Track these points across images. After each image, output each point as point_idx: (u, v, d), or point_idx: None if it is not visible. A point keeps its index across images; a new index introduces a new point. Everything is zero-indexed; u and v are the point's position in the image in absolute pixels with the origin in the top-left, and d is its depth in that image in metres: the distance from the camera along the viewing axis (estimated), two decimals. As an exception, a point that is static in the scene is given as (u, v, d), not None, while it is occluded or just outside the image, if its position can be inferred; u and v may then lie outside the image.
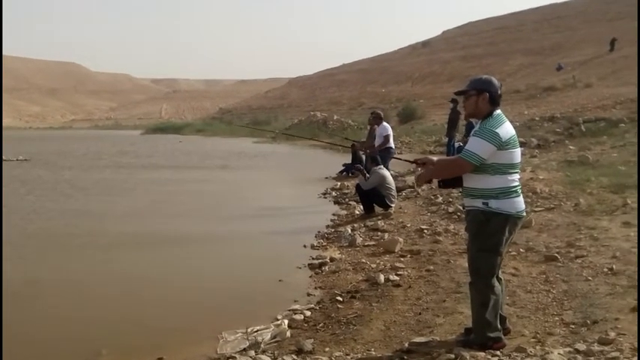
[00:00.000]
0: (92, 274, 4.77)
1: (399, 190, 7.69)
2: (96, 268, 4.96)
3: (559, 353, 2.46)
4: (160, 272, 4.83)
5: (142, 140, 30.07)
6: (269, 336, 3.22)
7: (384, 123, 8.59)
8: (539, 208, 5.73)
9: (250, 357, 2.87)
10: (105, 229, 6.64)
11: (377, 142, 8.33)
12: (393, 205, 6.78)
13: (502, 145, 2.51)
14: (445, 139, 12.95)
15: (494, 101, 2.61)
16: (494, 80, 2.66)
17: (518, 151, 2.61)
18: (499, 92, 2.63)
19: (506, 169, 2.55)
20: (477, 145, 2.52)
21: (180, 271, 4.86)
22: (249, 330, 3.26)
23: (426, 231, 5.52)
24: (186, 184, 10.92)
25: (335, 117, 28.00)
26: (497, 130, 2.51)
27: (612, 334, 2.61)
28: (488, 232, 2.56)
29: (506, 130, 2.55)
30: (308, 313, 3.60)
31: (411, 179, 8.69)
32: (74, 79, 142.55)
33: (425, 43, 59.80)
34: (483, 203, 2.56)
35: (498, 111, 2.62)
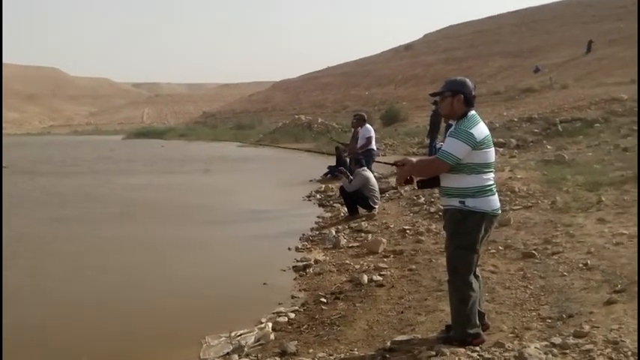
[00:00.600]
0: (70, 281, 4.71)
1: (382, 191, 7.77)
2: (75, 275, 4.89)
3: (536, 347, 2.53)
4: (141, 278, 4.79)
5: (122, 145, 29.64)
6: (253, 339, 3.23)
7: (367, 125, 8.66)
8: (518, 207, 5.86)
9: (234, 361, 2.87)
10: (83, 235, 6.55)
11: (359, 143, 8.39)
12: (376, 207, 6.85)
13: (477, 145, 2.58)
14: (427, 141, 13.11)
15: (469, 102, 2.68)
16: (469, 82, 2.73)
17: (492, 150, 2.68)
18: (473, 93, 2.70)
19: (482, 168, 2.62)
20: (452, 146, 2.59)
21: (162, 276, 4.82)
22: (232, 334, 3.27)
23: (408, 231, 5.59)
24: (167, 189, 10.82)
25: (319, 120, 28.07)
26: (471, 131, 2.58)
27: (587, 327, 2.70)
28: (465, 230, 2.63)
29: (481, 130, 2.62)
30: (292, 316, 3.62)
31: (394, 181, 8.78)
32: (53, 83, 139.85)
33: (407, 47, 60.45)
34: (460, 202, 2.62)
35: (473, 112, 2.69)
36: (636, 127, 12.11)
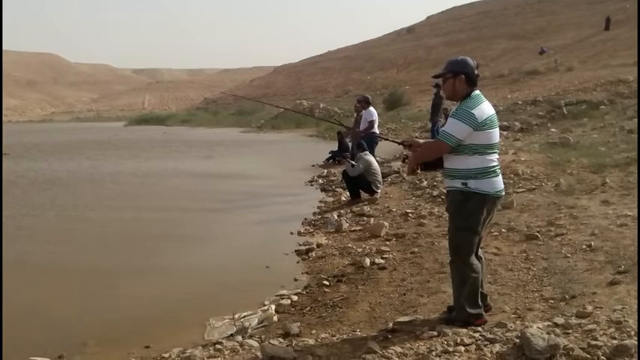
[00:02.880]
0: (76, 265, 4.74)
1: (384, 175, 7.74)
2: (80, 259, 4.92)
3: (538, 327, 2.52)
4: (146, 262, 4.81)
5: (125, 132, 29.57)
6: (256, 321, 3.25)
7: (371, 108, 8.55)
8: (521, 189, 5.83)
9: (237, 342, 2.89)
10: (90, 219, 6.58)
11: (362, 127, 8.33)
12: (379, 191, 6.83)
13: (478, 125, 2.53)
14: (430, 125, 13.03)
15: (472, 81, 2.62)
16: (470, 60, 2.67)
17: (496, 131, 2.63)
18: (476, 72, 2.64)
19: (484, 149, 2.58)
20: (452, 126, 2.55)
21: (167, 261, 4.84)
22: (236, 316, 3.29)
23: (410, 215, 5.59)
24: (170, 174, 10.82)
25: (321, 105, 27.90)
26: (472, 111, 2.53)
27: (589, 308, 2.69)
28: (467, 212, 2.61)
29: (483, 110, 2.57)
30: (295, 298, 3.65)
31: (396, 165, 8.74)
32: (53, 70, 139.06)
33: (409, 29, 59.67)
34: (462, 183, 2.59)
35: (477, 91, 2.64)
36: (642, 109, 11.98)
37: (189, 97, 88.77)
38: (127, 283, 4.23)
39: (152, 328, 3.33)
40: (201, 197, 8.11)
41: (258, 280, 4.17)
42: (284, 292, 3.77)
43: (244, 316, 3.31)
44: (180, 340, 3.13)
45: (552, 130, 11.78)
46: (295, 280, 4.07)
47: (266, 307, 3.44)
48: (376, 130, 8.43)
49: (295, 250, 4.83)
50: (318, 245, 4.90)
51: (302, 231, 5.57)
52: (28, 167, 12.09)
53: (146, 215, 6.87)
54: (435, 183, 6.84)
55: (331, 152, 11.35)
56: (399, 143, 2.97)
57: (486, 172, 2.58)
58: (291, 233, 5.51)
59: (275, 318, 3.31)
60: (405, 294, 3.46)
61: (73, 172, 11.20)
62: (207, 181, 9.76)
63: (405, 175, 7.88)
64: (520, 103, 16.24)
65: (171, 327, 3.33)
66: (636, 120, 10.78)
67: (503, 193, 2.72)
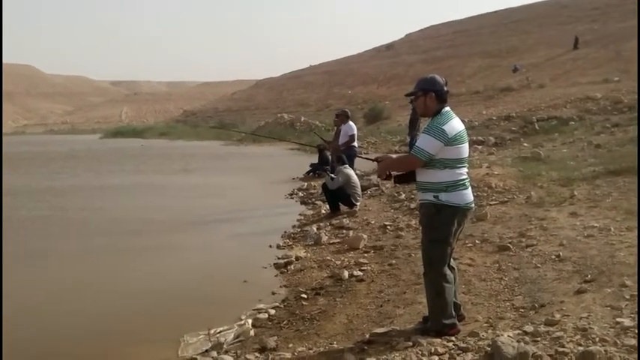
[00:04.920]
0: (44, 281, 4.62)
1: (364, 188, 7.84)
2: (48, 274, 4.80)
3: (508, 335, 2.61)
4: (120, 278, 4.73)
5: (99, 145, 29.02)
6: (232, 336, 3.23)
7: (350, 122, 8.65)
8: (494, 202, 5.99)
9: (212, 358, 2.88)
10: (59, 235, 6.44)
11: (341, 140, 8.42)
12: (358, 204, 6.91)
13: (449, 141, 2.64)
14: (408, 139, 13.27)
15: (442, 98, 2.73)
16: (438, 78, 2.77)
17: (465, 146, 2.73)
18: (445, 89, 2.75)
19: (454, 163, 2.68)
20: (425, 142, 2.65)
21: (142, 276, 4.77)
22: (211, 331, 3.26)
23: (389, 227, 5.67)
24: (148, 189, 10.68)
25: (302, 118, 28.04)
26: (444, 127, 2.64)
27: (557, 316, 2.79)
28: (438, 224, 2.69)
29: (453, 126, 2.68)
30: (272, 312, 3.64)
31: (375, 178, 8.86)
32: (27, 81, 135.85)
33: (389, 46, 60.83)
34: (434, 196, 2.69)
35: (447, 108, 2.75)
36: (609, 125, 12.50)
37: (169, 110, 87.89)
38: (96, 298, 4.15)
39: (124, 344, 3.27)
40: (178, 210, 8.03)
41: (235, 294, 4.15)
42: (261, 306, 3.77)
43: (220, 332, 3.28)
44: (153, 357, 3.08)
45: (525, 144, 12.16)
46: (273, 293, 4.07)
47: (242, 322, 3.42)
48: (356, 143, 8.55)
49: (274, 264, 4.83)
50: (297, 258, 4.92)
51: (281, 244, 5.58)
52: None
53: (120, 228, 6.76)
54: (413, 196, 6.95)
55: (312, 165, 11.41)
56: (374, 160, 3.05)
57: (456, 185, 2.68)
58: (270, 246, 5.51)
59: (252, 332, 3.29)
60: (382, 305, 3.51)
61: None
62: (185, 194, 9.67)
63: (382, 187, 8.00)
64: (494, 118, 16.73)
65: (145, 343, 3.27)
66: (604, 135, 11.24)
67: (473, 205, 2.82)
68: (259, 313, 3.63)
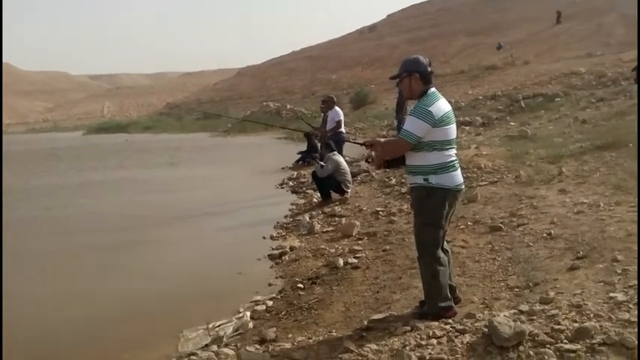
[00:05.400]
0: (41, 278, 4.56)
1: (354, 175, 7.83)
2: (45, 272, 4.74)
3: (505, 315, 2.64)
4: (111, 277, 4.69)
5: (82, 141, 28.49)
6: (231, 329, 3.24)
7: (337, 108, 8.61)
8: (484, 182, 6.03)
9: (212, 352, 2.88)
10: (49, 231, 6.34)
11: (328, 126, 8.38)
12: (349, 191, 6.91)
13: (436, 122, 2.62)
14: (395, 123, 13.26)
15: (426, 79, 2.71)
16: (422, 58, 2.75)
17: (453, 127, 2.71)
18: (429, 69, 2.72)
19: (442, 145, 2.67)
20: (412, 125, 2.63)
21: (134, 274, 4.74)
22: (210, 326, 3.27)
23: (381, 213, 5.68)
24: (133, 184, 10.55)
25: (288, 106, 27.83)
26: (430, 109, 2.62)
27: (552, 294, 2.83)
28: (430, 207, 2.69)
29: (439, 107, 2.65)
30: (270, 303, 3.65)
31: (365, 164, 8.85)
32: (4, 79, 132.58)
33: (371, 28, 60.37)
34: (424, 179, 2.68)
35: (433, 89, 2.72)
36: (594, 100, 12.62)
37: (151, 103, 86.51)
38: (91, 295, 4.11)
39: (123, 341, 3.26)
40: (170, 204, 7.95)
41: (231, 287, 4.15)
42: (258, 297, 3.77)
43: (219, 325, 3.28)
44: (153, 353, 3.07)
45: (512, 123, 12.23)
46: (269, 284, 4.08)
47: (241, 315, 3.43)
48: (343, 129, 8.52)
49: (268, 255, 4.83)
50: (291, 248, 4.92)
51: (274, 235, 5.57)
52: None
53: (105, 225, 6.68)
54: (403, 180, 6.97)
55: (300, 153, 11.36)
56: (361, 144, 3.04)
57: (446, 167, 2.67)
58: (264, 237, 5.50)
59: (250, 325, 3.30)
60: (378, 292, 3.53)
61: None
62: (172, 188, 9.57)
63: (372, 172, 8.01)
64: (480, 98, 16.77)
65: (145, 340, 3.27)
66: (589, 110, 11.35)
67: (463, 187, 2.82)
68: (257, 305, 3.63)
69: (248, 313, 3.45)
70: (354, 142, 3.70)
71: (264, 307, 3.59)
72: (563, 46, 26.02)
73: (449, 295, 2.80)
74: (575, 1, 35.54)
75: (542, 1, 40.08)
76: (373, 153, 2.86)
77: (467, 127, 12.73)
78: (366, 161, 3.04)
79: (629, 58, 17.03)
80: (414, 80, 2.69)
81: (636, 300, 2.53)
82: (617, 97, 12.34)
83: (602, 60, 19.27)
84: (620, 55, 19.04)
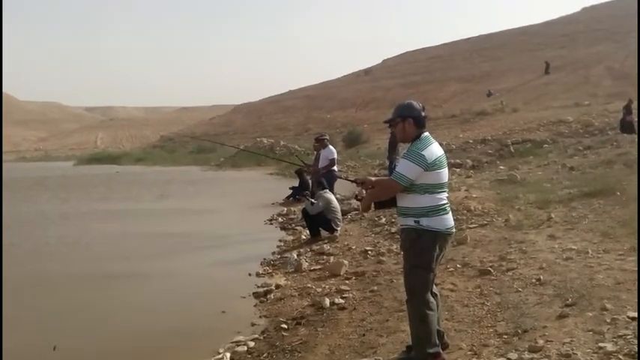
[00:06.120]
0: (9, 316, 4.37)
1: (344, 213, 7.80)
2: (13, 309, 4.55)
3: (493, 364, 2.56)
4: (90, 311, 4.51)
5: (72, 171, 28.28)
6: (210, 370, 3.09)
7: (330, 146, 8.69)
8: (474, 225, 6.02)
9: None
10: (23, 267, 6.15)
11: (321, 164, 8.42)
12: (338, 229, 6.85)
13: (428, 166, 2.63)
14: (387, 162, 13.38)
15: (420, 123, 2.75)
16: (415, 104, 2.80)
17: (445, 171, 2.73)
18: (422, 114, 2.77)
19: (434, 188, 2.67)
20: (405, 167, 2.64)
21: (114, 308, 4.56)
22: (188, 366, 3.12)
23: (370, 252, 5.62)
24: (123, 216, 10.40)
25: (282, 143, 28.10)
26: (423, 153, 2.64)
27: (541, 342, 2.76)
28: (420, 249, 2.66)
29: (432, 151, 2.68)
30: (252, 344, 3.51)
31: (355, 202, 8.83)
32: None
33: (367, 71, 62.13)
34: (415, 221, 2.66)
35: (426, 133, 2.76)
36: (582, 148, 12.90)
37: (145, 135, 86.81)
38: (64, 330, 3.94)
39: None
40: (155, 238, 7.80)
41: (212, 325, 4.00)
42: (240, 338, 3.63)
43: (197, 366, 3.14)
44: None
45: (501, 167, 12.41)
46: (252, 324, 3.94)
47: (220, 356, 3.29)
48: (335, 167, 8.56)
49: (253, 293, 4.70)
50: (277, 286, 4.80)
51: (261, 272, 5.45)
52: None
53: (88, 257, 6.52)
54: (393, 219, 6.94)
55: (292, 188, 11.34)
56: (352, 181, 3.04)
57: (437, 210, 2.67)
58: (250, 274, 5.37)
59: (230, 366, 3.16)
60: (364, 334, 3.42)
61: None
62: (162, 222, 9.44)
63: (361, 211, 7.97)
64: (471, 141, 17.09)
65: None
66: (577, 158, 11.57)
67: (454, 230, 2.80)
68: (238, 345, 3.49)
69: (228, 355, 3.31)
70: (346, 179, 3.71)
71: (245, 347, 3.45)
72: (552, 95, 26.88)
73: (437, 340, 2.72)
74: (563, 53, 37.08)
75: (532, 52, 41.82)
76: (364, 191, 2.85)
77: (457, 169, 12.89)
78: (356, 198, 3.03)
79: (615, 109, 17.59)
80: (408, 125, 2.73)
81: (625, 351, 2.47)
82: (604, 145, 12.65)
83: (589, 110, 19.88)
84: (607, 106, 19.69)
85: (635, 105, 14.91)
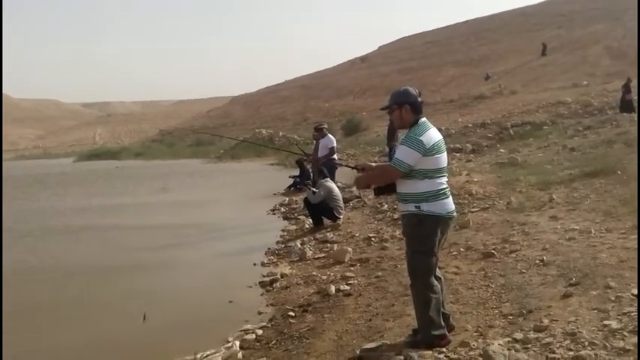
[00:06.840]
0: (18, 307, 4.42)
1: (346, 200, 7.82)
2: (24, 300, 4.60)
3: (499, 344, 2.59)
4: (98, 302, 4.56)
5: (72, 168, 28.25)
6: (220, 359, 3.13)
7: (329, 135, 8.71)
8: (476, 209, 6.05)
9: (200, 383, 2.77)
10: (37, 258, 6.20)
11: (321, 153, 8.43)
12: (341, 217, 6.88)
13: (427, 151, 2.64)
14: (387, 149, 13.38)
15: (417, 109, 2.74)
16: (411, 90, 2.79)
17: (443, 155, 2.74)
18: (419, 100, 2.76)
19: (433, 173, 2.68)
20: (403, 153, 2.65)
21: (121, 300, 4.62)
22: (198, 356, 3.17)
23: (373, 239, 5.65)
24: (127, 209, 10.42)
25: (280, 133, 28.02)
26: (421, 138, 2.64)
27: (546, 321, 2.79)
28: (422, 234, 2.67)
29: (430, 136, 2.68)
30: (260, 332, 3.56)
31: (356, 189, 8.85)
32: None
33: (363, 58, 61.70)
34: (415, 207, 2.67)
35: (423, 119, 2.76)
36: (581, 128, 12.88)
37: (144, 130, 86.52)
38: (76, 323, 3.98)
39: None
40: (159, 231, 7.83)
41: (220, 315, 4.05)
42: (248, 326, 3.67)
43: (207, 355, 3.18)
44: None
45: (501, 150, 12.40)
46: (260, 313, 3.98)
47: (230, 344, 3.33)
48: (335, 156, 8.57)
49: (259, 282, 4.74)
50: (283, 275, 4.84)
51: (265, 261, 5.49)
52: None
53: (94, 250, 6.56)
54: (395, 206, 6.96)
55: (292, 177, 11.33)
56: (353, 167, 3.05)
57: (437, 195, 2.68)
58: (255, 264, 5.41)
59: (240, 354, 3.20)
60: (370, 319, 3.46)
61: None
62: (165, 214, 9.46)
63: (361, 195, 7.99)
64: (470, 126, 17.05)
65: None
66: (577, 139, 11.56)
67: (455, 214, 2.82)
68: (246, 334, 3.54)
69: (237, 343, 3.35)
70: (346, 166, 3.74)
71: (253, 336, 3.49)
72: (550, 76, 26.74)
73: (442, 323, 2.75)
74: (561, 34, 36.77)
75: (530, 34, 41.46)
76: (356, 177, 2.87)
77: (457, 154, 12.89)
78: (356, 168, 3.05)
79: (613, 89, 17.53)
80: (405, 111, 2.73)
81: (630, 328, 2.50)
82: (604, 125, 12.62)
83: (588, 90, 19.82)
84: (606, 86, 19.61)
85: (634, 83, 14.85)
